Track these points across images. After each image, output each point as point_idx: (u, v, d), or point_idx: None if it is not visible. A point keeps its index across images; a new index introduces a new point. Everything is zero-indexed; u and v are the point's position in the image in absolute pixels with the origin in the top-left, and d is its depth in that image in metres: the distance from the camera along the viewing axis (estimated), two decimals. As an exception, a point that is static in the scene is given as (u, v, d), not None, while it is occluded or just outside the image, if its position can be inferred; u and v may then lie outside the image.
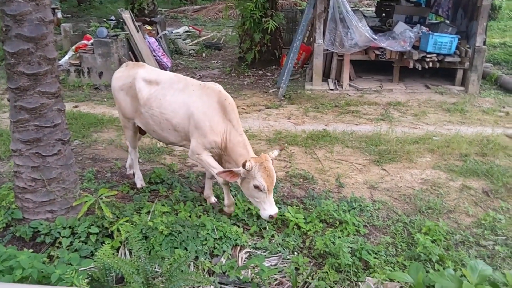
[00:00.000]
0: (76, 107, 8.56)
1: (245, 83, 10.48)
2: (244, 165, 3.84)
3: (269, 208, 3.99)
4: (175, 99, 4.46)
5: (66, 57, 10.34)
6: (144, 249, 3.73)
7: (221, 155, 4.43)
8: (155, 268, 3.64)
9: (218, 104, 4.28)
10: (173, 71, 11.29)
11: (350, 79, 10.18)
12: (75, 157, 5.42)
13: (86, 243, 4.01)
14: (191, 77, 10.98)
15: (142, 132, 5.21)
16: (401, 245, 4.33)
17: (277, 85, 9.98)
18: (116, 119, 7.84)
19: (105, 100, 9.05)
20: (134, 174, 5.40)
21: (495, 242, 4.42)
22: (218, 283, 3.60)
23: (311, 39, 11.31)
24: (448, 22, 11.10)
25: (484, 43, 9.60)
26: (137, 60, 10.61)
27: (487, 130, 7.39)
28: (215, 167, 4.36)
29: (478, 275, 3.00)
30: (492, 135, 7.14)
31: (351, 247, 4.08)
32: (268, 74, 11.28)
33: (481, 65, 9.51)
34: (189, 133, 4.41)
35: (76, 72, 10.03)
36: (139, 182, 5.30)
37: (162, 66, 11.28)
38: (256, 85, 10.31)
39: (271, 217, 4.01)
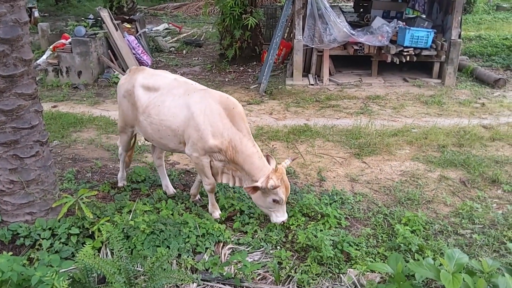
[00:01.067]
0: (55, 107, 8.44)
1: (227, 79, 10.47)
2: (267, 183, 3.87)
3: (281, 216, 4.15)
4: (175, 104, 4.25)
5: (44, 56, 10.17)
6: (126, 248, 3.70)
7: (226, 163, 4.23)
8: (137, 267, 3.63)
9: (225, 111, 4.08)
10: (153, 68, 11.24)
11: (330, 74, 10.25)
12: (54, 158, 5.38)
13: (66, 244, 3.98)
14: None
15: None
16: (381, 236, 4.39)
17: (258, 81, 10.00)
18: (96, 118, 7.77)
19: (85, 99, 8.95)
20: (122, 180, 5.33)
21: (472, 231, 4.52)
22: (201, 280, 3.61)
23: (291, 35, 11.35)
24: (424, 16, 11.25)
25: (460, 37, 9.75)
26: (116, 58, 10.52)
27: (464, 122, 7.53)
28: (208, 177, 4.33)
29: (455, 264, 3.06)
30: (468, 126, 7.29)
31: (333, 240, 4.12)
32: (249, 70, 11.29)
33: (457, 58, 9.67)
34: (187, 136, 4.22)
35: (54, 72, 9.88)
36: (122, 181, 5.26)
37: (142, 64, 11.18)
38: (237, 81, 10.31)
39: (283, 222, 4.22)
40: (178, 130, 4.25)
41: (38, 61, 9.96)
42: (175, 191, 5.11)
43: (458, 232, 4.51)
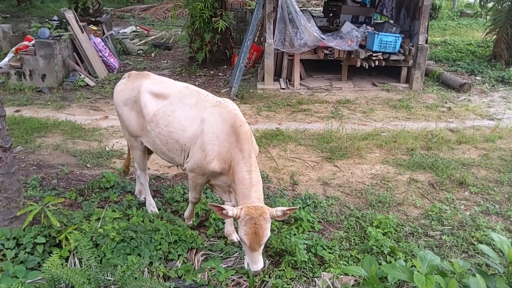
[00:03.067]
0: (18, 111, 8.14)
1: (197, 83, 10.37)
2: (224, 213, 3.36)
3: (250, 264, 3.44)
4: (186, 116, 3.87)
5: (6, 59, 9.82)
6: (95, 257, 3.58)
7: (230, 182, 3.83)
8: (107, 276, 3.52)
9: (232, 129, 3.66)
10: (120, 72, 11.03)
11: (301, 78, 10.31)
12: (18, 164, 5.16)
13: (32, 254, 3.81)
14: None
15: (150, 151, 4.62)
16: (354, 239, 4.42)
17: (229, 84, 9.96)
18: (61, 122, 7.54)
19: (49, 103, 8.67)
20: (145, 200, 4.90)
21: (442, 232, 4.61)
22: None
23: (262, 38, 11.37)
24: (392, 21, 11.48)
25: (426, 42, 9.99)
26: (81, 61, 10.27)
27: (431, 125, 7.70)
28: (197, 192, 4.09)
29: (428, 265, 3.10)
30: (436, 130, 7.46)
31: (306, 244, 4.11)
32: (220, 74, 11.23)
33: (424, 63, 9.90)
34: (191, 153, 3.85)
35: (17, 75, 9.55)
36: (151, 208, 4.72)
37: (109, 67, 10.97)
38: (208, 85, 10.23)
39: (254, 272, 3.52)
40: (185, 145, 3.88)
41: (0, 64, 9.61)
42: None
43: (428, 233, 4.59)
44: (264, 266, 3.59)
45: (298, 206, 3.55)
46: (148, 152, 4.62)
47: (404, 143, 6.88)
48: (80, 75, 9.91)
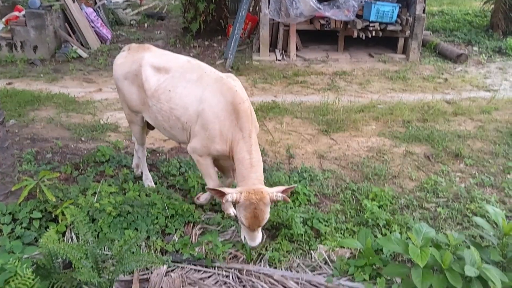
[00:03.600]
0: (10, 84, 8.03)
1: (191, 54, 10.23)
2: (224, 196, 3.33)
3: (249, 241, 3.53)
4: (187, 92, 3.75)
5: (-4, 30, 9.62)
6: (92, 232, 3.59)
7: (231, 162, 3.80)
8: (104, 251, 3.53)
9: (232, 106, 3.56)
10: (113, 43, 10.86)
11: (297, 49, 10.18)
12: (11, 138, 5.13)
13: (28, 229, 3.81)
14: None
15: (150, 127, 4.54)
16: (350, 212, 4.44)
17: (224, 56, 9.82)
18: (54, 95, 7.45)
19: (42, 75, 8.55)
20: (141, 173, 4.85)
21: (437, 204, 4.64)
22: (172, 261, 3.55)
23: (257, 8, 11.16)
24: (389, -10, 11.26)
25: (424, 11, 9.85)
26: (73, 32, 10.07)
27: (428, 97, 7.67)
28: (212, 178, 3.90)
29: (423, 238, 3.13)
30: (432, 102, 7.43)
31: (302, 217, 4.13)
32: (215, 44, 11.06)
33: (421, 33, 9.79)
34: (193, 133, 3.78)
35: (8, 47, 9.37)
36: (148, 182, 4.72)
37: (101, 38, 10.78)
38: (202, 57, 10.09)
39: (250, 246, 3.61)
40: (186, 123, 3.80)
41: (-11, 35, 9.43)
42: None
43: (423, 206, 4.61)
44: (262, 241, 3.64)
45: (295, 185, 3.55)
46: (148, 127, 4.55)
47: (401, 115, 6.86)
48: (72, 46, 9.73)
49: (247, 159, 3.48)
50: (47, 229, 3.62)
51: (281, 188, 3.42)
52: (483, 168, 5.39)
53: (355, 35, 9.71)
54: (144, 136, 4.60)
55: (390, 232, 3.99)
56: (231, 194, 3.33)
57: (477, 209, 4.47)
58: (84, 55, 9.75)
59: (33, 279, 2.83)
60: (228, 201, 3.35)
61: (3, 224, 3.81)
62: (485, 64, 9.77)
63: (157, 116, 3.99)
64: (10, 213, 3.89)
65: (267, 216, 3.41)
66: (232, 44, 9.37)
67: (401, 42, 10.18)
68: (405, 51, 10.13)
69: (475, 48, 10.74)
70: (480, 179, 5.11)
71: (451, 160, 5.58)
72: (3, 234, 3.73)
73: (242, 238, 3.61)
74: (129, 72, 4.09)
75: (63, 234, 3.85)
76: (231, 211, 4.21)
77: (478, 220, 3.47)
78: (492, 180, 5.10)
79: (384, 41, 10.43)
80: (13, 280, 2.80)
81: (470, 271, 2.86)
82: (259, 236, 3.53)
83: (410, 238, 3.17)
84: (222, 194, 3.34)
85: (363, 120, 6.70)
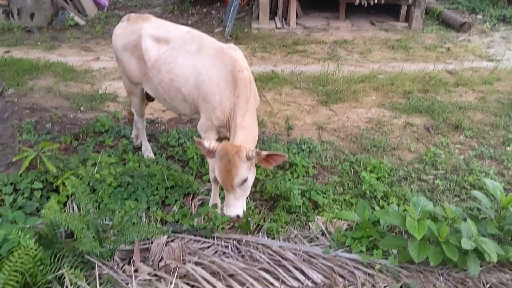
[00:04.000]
0: (7, 52, 7.94)
1: (189, 22, 10.07)
2: (200, 142, 3.24)
3: (225, 207, 3.35)
4: (187, 63, 3.69)
5: (-9, -4, 9.44)
6: (93, 202, 3.62)
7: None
8: (105, 221, 3.58)
9: (232, 75, 3.48)
10: (110, 10, 10.67)
11: (297, 17, 10.02)
12: (10, 108, 5.10)
13: (30, 200, 3.85)
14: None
15: (149, 98, 4.48)
16: (348, 184, 4.48)
17: (223, 24, 9.68)
18: (52, 64, 7.38)
19: (39, 43, 8.45)
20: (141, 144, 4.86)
21: (435, 176, 4.67)
22: (172, 232, 3.60)
23: (256, -26, 10.91)
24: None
25: (428, -22, 9.66)
26: (71, -1, 9.89)
27: (429, 67, 7.61)
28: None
29: (420, 211, 3.16)
30: (433, 72, 7.37)
31: (301, 189, 4.17)
32: (213, 12, 10.89)
33: (424, 1, 9.61)
34: (198, 106, 3.72)
35: (4, 14, 9.23)
36: (147, 153, 4.74)
37: (99, 5, 10.60)
38: (200, 25, 9.94)
39: (231, 218, 3.38)
40: (188, 96, 3.73)
41: (-15, 2, 9.26)
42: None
43: (422, 178, 4.65)
44: (241, 217, 3.34)
45: (286, 155, 3.35)
46: (148, 98, 4.51)
47: (401, 85, 6.82)
48: (69, 13, 9.57)
49: (239, 122, 3.38)
50: (49, 200, 3.66)
51: (255, 151, 3.19)
52: (483, 140, 5.40)
53: (357, 2, 9.55)
54: (143, 107, 4.58)
55: (388, 204, 4.04)
56: (210, 141, 3.25)
57: (476, 182, 4.51)
58: (82, 22, 9.60)
59: (36, 249, 2.87)
60: (204, 146, 3.21)
61: (5, 195, 3.84)
62: (488, 33, 9.64)
63: (158, 88, 3.94)
64: (11, 184, 3.91)
65: (242, 173, 3.17)
66: (231, 11, 9.21)
67: (403, 10, 10.02)
68: (407, 19, 9.98)
69: (479, 16, 10.58)
70: (480, 151, 5.12)
71: (451, 132, 5.58)
72: (5, 204, 3.77)
73: (225, 211, 3.38)
74: (128, 43, 4.02)
75: (64, 204, 3.88)
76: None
77: (476, 193, 3.49)
78: (491, 152, 5.11)
79: (386, 8, 10.26)
80: (16, 250, 2.84)
81: (466, 244, 2.90)
82: (237, 205, 3.30)
83: (407, 211, 3.21)
84: (200, 143, 3.24)
85: (363, 91, 6.67)
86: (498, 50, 8.64)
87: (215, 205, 3.85)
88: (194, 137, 3.37)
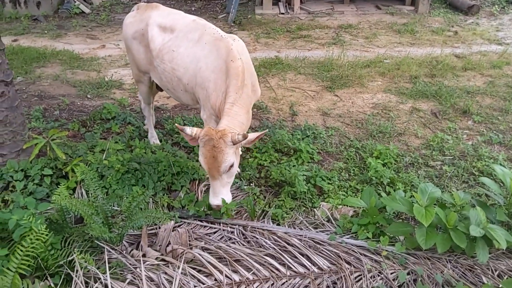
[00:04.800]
0: (15, 41, 7.99)
1: (193, 8, 10.03)
2: (181, 130, 3.21)
3: (210, 196, 3.33)
4: (188, 52, 3.68)
5: (-2, -15, 9.47)
6: (101, 188, 3.68)
7: None
8: (114, 207, 3.64)
9: (225, 64, 3.46)
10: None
11: (301, 2, 9.95)
12: (19, 95, 5.15)
13: (40, 186, 3.92)
14: (135, 3, 10.44)
15: (159, 88, 4.48)
16: (353, 170, 4.49)
17: (226, 10, 9.63)
18: (59, 52, 7.41)
19: (46, 32, 8.48)
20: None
21: (442, 162, 4.66)
22: (178, 217, 3.65)
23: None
24: None
25: (435, -39, 9.53)
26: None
27: (436, 51, 7.54)
28: None
29: (428, 197, 3.17)
30: (441, 56, 7.31)
31: (306, 175, 4.19)
32: (217, -2, 10.83)
33: (431, -16, 9.50)
34: (197, 95, 3.72)
35: (11, 3, 9.28)
36: (153, 140, 4.79)
37: (104, -8, 10.55)
38: (204, 11, 9.89)
39: (214, 206, 3.37)
40: (188, 84, 3.73)
41: (-9, -10, 9.28)
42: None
43: (429, 164, 4.64)
44: (226, 202, 3.35)
45: (267, 130, 3.24)
46: (158, 88, 4.54)
47: (408, 70, 6.78)
48: (75, 1, 9.59)
49: (226, 109, 3.35)
50: (58, 186, 3.71)
51: (254, 134, 3.20)
52: (492, 125, 5.36)
53: (363, -14, 9.45)
54: (150, 96, 4.62)
55: (394, 190, 4.04)
56: (191, 128, 3.21)
57: (484, 168, 4.48)
58: (87, 10, 9.60)
59: (47, 234, 2.94)
60: (186, 133, 3.17)
61: (16, 181, 3.91)
62: (497, 16, 9.51)
63: (162, 77, 3.98)
64: (22, 170, 3.98)
65: (227, 158, 3.13)
66: (235, -3, 9.16)
67: (410, -7, 9.91)
68: (414, 2, 9.88)
69: (488, -1, 10.44)
70: (488, 137, 5.09)
71: (459, 117, 5.55)
72: (16, 190, 3.84)
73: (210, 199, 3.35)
74: (137, 32, 4.06)
75: (74, 190, 3.95)
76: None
77: (485, 180, 3.49)
78: (500, 137, 5.07)
79: (392, -8, 10.15)
80: (28, 235, 2.91)
81: (475, 231, 2.90)
82: (222, 192, 3.27)
83: (414, 197, 3.22)
84: (182, 130, 3.20)
85: (368, 76, 6.64)
86: (508, 33, 8.54)
87: None
88: (175, 124, 3.34)
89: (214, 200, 3.29)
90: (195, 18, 3.99)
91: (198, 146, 3.24)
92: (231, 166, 3.21)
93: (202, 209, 3.69)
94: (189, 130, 3.18)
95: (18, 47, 7.54)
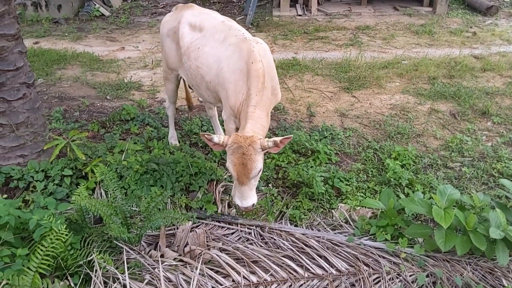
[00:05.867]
0: (36, 43, 8.14)
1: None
2: (210, 138, 3.17)
3: (238, 198, 3.26)
4: (213, 52, 3.74)
5: (20, -11, 9.66)
6: (120, 189, 3.72)
7: None
8: (132, 207, 3.67)
9: (246, 66, 3.45)
10: (134, 1, 10.77)
11: (319, 4, 9.92)
12: (40, 97, 5.25)
13: (60, 186, 3.98)
14: (154, 6, 10.55)
15: (191, 87, 4.55)
16: (371, 171, 4.47)
17: (244, 12, 9.66)
18: (80, 54, 7.53)
19: (66, 34, 8.62)
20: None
21: (462, 164, 4.61)
22: (196, 218, 3.67)
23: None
24: None
25: (454, -39, 9.41)
26: (95, -10, 10.01)
27: (455, 52, 7.45)
28: None
29: (447, 199, 3.13)
30: (459, 57, 7.22)
31: (323, 176, 4.18)
32: (234, 0, 10.89)
33: (449, -16, 9.39)
34: (219, 94, 3.74)
35: (33, 6, 9.45)
36: (172, 141, 4.86)
37: (122, -5, 10.68)
38: (222, 13, 9.86)
39: (238, 207, 3.29)
40: (210, 83, 3.77)
41: (13, -7, 9.46)
42: None
43: (448, 165, 4.59)
44: (254, 205, 3.28)
45: (292, 136, 3.25)
46: (189, 86, 4.61)
47: (426, 71, 6.71)
48: (95, 4, 9.72)
49: (249, 112, 3.32)
50: (78, 186, 3.77)
51: (278, 138, 3.14)
52: None
53: (380, -13, 9.38)
54: (176, 95, 4.70)
55: (413, 192, 4.01)
56: (219, 136, 3.18)
57: (504, 169, 4.42)
58: (107, 13, 9.73)
59: (66, 234, 2.98)
60: (214, 142, 3.15)
61: (36, 181, 3.98)
62: (516, 17, 9.37)
63: (187, 74, 4.08)
64: (42, 171, 4.05)
65: (257, 165, 3.12)
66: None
67: (428, -6, 9.81)
68: (431, 3, 9.78)
69: (507, 0, 10.27)
70: (508, 138, 5.02)
71: (478, 118, 5.48)
72: (37, 191, 3.91)
73: (235, 199, 3.31)
74: (170, 29, 4.20)
75: (93, 190, 4.00)
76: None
77: (505, 182, 3.43)
78: (520, 139, 4.99)
79: (410, -7, 10.06)
80: (48, 235, 2.95)
81: (495, 233, 2.86)
82: (250, 195, 3.22)
83: (433, 199, 3.19)
84: (209, 139, 3.17)
85: (386, 77, 6.59)
86: (527, 34, 8.40)
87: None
88: (200, 133, 3.31)
89: (245, 203, 3.23)
90: (224, 19, 4.05)
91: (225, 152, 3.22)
92: (260, 171, 3.21)
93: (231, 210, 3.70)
94: (216, 138, 3.16)
95: (39, 50, 7.68)
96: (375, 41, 8.17)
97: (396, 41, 8.16)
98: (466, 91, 6.05)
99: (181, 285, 2.95)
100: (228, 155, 3.15)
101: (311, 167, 4.35)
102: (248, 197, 3.22)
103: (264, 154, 3.29)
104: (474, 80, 6.49)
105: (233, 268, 3.08)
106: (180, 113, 5.68)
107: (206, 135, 3.19)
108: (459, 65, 6.89)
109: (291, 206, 3.93)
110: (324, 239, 3.38)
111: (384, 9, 9.91)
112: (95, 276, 2.90)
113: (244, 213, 3.67)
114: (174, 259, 3.20)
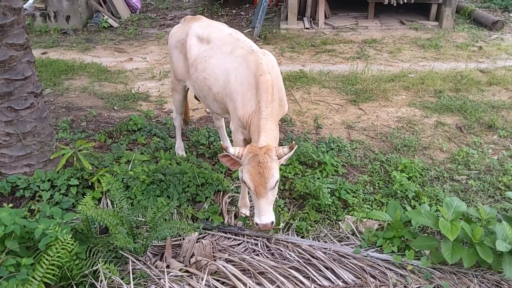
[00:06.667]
0: (44, 53, 8.22)
1: (219, 23, 10.17)
2: (225, 148, 3.12)
3: (256, 215, 3.12)
4: (220, 63, 3.76)
5: (31, 1, 9.80)
6: (126, 199, 3.72)
7: None
8: (138, 217, 3.67)
9: (254, 78, 3.43)
10: (143, 12, 10.89)
11: (326, 17, 9.99)
12: (48, 107, 5.28)
13: (66, 196, 3.98)
14: (162, 18, 10.66)
15: (197, 98, 4.52)
16: (378, 183, 4.45)
17: (251, 25, 9.73)
18: (87, 65, 7.59)
19: (74, 45, 8.70)
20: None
21: (468, 177, 4.59)
22: (203, 228, 3.66)
23: (285, -26, 10.93)
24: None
25: (459, -24, 9.47)
26: (104, 2, 10.14)
27: (461, 66, 7.46)
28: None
29: (453, 212, 3.12)
30: (465, 71, 7.22)
31: (330, 188, 4.17)
32: (242, 13, 10.96)
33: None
34: (226, 105, 3.74)
35: (42, 17, 9.58)
36: (179, 151, 4.88)
37: (131, 7, 10.82)
38: (230, 25, 9.87)
39: (257, 224, 3.13)
40: (217, 94, 3.78)
41: (25, 6, 9.58)
42: None
43: (454, 178, 4.57)
44: (273, 223, 3.13)
45: (296, 146, 3.14)
46: (196, 98, 4.59)
47: (432, 84, 6.72)
48: (104, 16, 9.82)
49: (262, 125, 3.27)
50: (84, 196, 3.77)
51: (286, 148, 3.10)
52: (517, 140, 5.27)
53: (386, 1, 9.45)
54: (183, 106, 4.71)
55: (420, 204, 3.99)
56: (234, 147, 3.15)
57: (510, 182, 4.41)
58: (115, 24, 9.84)
59: (72, 244, 2.98)
60: (229, 151, 3.10)
61: (42, 191, 3.98)
62: (522, 32, 9.38)
63: (195, 85, 4.11)
64: (49, 180, 4.06)
65: (274, 174, 3.04)
66: (260, 12, 9.25)
67: (434, 9, 9.85)
68: (438, 18, 9.81)
69: (512, 15, 10.31)
70: (514, 152, 5.01)
71: (484, 131, 5.47)
72: (42, 200, 3.91)
73: (255, 219, 3.13)
74: (178, 41, 4.24)
75: (99, 200, 4.00)
76: (244, 211, 4.00)
77: (511, 195, 3.42)
78: (526, 152, 4.97)
79: (416, 7, 10.10)
80: (54, 245, 2.94)
81: (501, 246, 2.85)
82: (269, 210, 3.09)
83: (440, 211, 3.17)
84: (230, 159, 3.12)
85: (393, 90, 6.60)
86: (534, 49, 8.40)
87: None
88: (219, 155, 3.23)
89: (263, 219, 3.08)
90: (232, 32, 4.07)
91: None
92: (277, 181, 3.13)
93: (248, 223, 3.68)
94: (232, 149, 3.13)
95: (47, 60, 7.75)
96: (381, 55, 8.20)
97: (402, 54, 8.19)
98: (472, 104, 6.05)
99: (186, 296, 2.92)
100: (244, 166, 3.08)
101: (318, 178, 4.34)
102: (266, 212, 3.09)
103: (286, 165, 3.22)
104: (480, 93, 6.49)
105: (239, 279, 3.06)
106: (189, 124, 5.68)
107: (223, 144, 3.17)
108: (465, 78, 6.89)
109: (298, 218, 3.91)
110: (330, 250, 3.36)
111: (391, 23, 9.95)
112: (100, 286, 2.89)
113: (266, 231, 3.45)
114: (180, 269, 3.18)
